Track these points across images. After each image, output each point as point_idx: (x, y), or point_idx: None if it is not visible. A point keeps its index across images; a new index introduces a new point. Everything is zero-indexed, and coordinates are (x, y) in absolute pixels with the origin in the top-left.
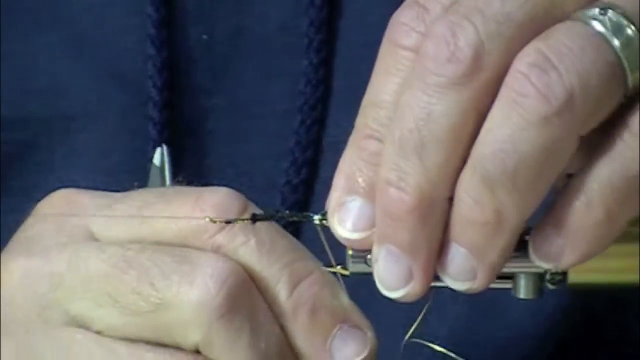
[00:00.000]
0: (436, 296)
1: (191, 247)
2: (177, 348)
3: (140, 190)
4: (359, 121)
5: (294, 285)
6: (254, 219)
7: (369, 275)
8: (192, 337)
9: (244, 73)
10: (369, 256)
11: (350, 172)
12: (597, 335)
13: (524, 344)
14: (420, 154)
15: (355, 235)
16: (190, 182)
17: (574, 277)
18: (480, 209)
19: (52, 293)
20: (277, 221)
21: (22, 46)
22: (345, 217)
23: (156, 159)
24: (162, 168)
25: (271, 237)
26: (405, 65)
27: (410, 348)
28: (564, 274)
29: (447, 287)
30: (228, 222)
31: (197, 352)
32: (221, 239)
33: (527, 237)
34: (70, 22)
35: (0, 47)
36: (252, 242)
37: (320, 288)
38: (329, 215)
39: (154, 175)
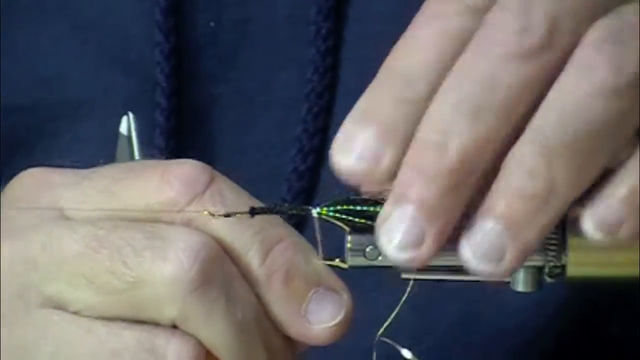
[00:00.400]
0: (435, 291)
1: (162, 221)
2: (155, 324)
3: (108, 166)
4: (397, 65)
5: (266, 253)
6: (253, 212)
7: (368, 268)
8: (169, 312)
9: (251, 61)
10: (368, 249)
11: (388, 122)
12: (600, 331)
13: (524, 339)
14: (474, 117)
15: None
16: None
17: (572, 271)
18: (531, 179)
19: (28, 275)
20: (277, 213)
21: (29, 33)
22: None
23: (123, 128)
24: (129, 137)
25: (240, 205)
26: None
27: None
28: (563, 267)
29: (443, 280)
30: (227, 215)
31: (175, 326)
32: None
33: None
34: (78, 9)
35: (7, 34)
36: (222, 212)
37: (292, 253)
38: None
39: (121, 145)
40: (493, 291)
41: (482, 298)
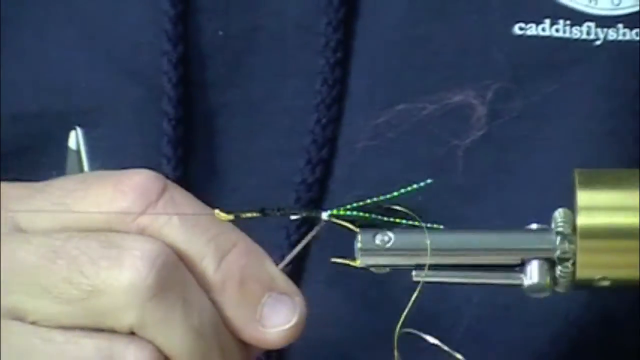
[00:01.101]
0: (451, 298)
1: (116, 230)
2: (113, 331)
3: (61, 178)
4: None
5: (220, 259)
6: (263, 213)
7: (378, 267)
8: (126, 319)
9: (259, 70)
10: (378, 240)
11: None
12: (615, 341)
13: (538, 348)
14: None
15: None
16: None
17: (583, 273)
18: None
19: None
20: (286, 216)
21: (37, 40)
22: None
23: (72, 143)
24: (78, 151)
25: (193, 212)
26: None
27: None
28: (574, 263)
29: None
30: (237, 217)
31: (133, 333)
32: (145, 219)
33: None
34: (86, 17)
35: (15, 42)
36: (175, 219)
37: (246, 259)
38: None
39: (71, 159)
40: (508, 301)
41: (497, 307)
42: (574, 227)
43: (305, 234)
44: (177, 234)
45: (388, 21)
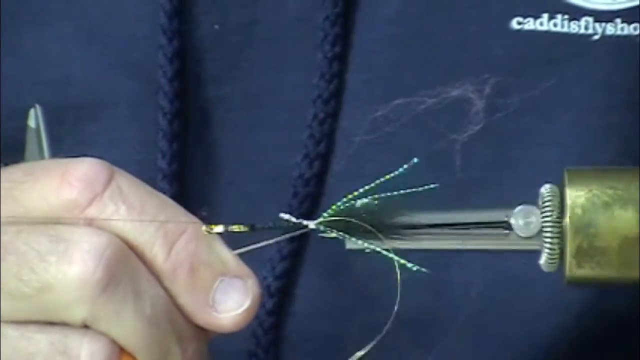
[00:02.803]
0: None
1: (64, 223)
2: (66, 325)
3: (8, 168)
4: None
5: (169, 247)
6: (253, 228)
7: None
8: (78, 313)
9: (256, 64)
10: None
11: None
12: (614, 335)
13: (537, 342)
14: None
15: None
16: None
17: (572, 272)
18: None
19: None
20: (276, 228)
21: (34, 35)
22: None
23: (31, 121)
24: (37, 130)
25: (141, 200)
26: None
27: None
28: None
29: None
30: (226, 230)
31: (86, 326)
32: (92, 211)
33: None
34: (82, 12)
35: (12, 37)
36: (123, 209)
37: (195, 244)
38: None
39: (30, 138)
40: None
41: (499, 304)
42: (561, 200)
43: (296, 244)
44: (126, 225)
45: (386, 15)
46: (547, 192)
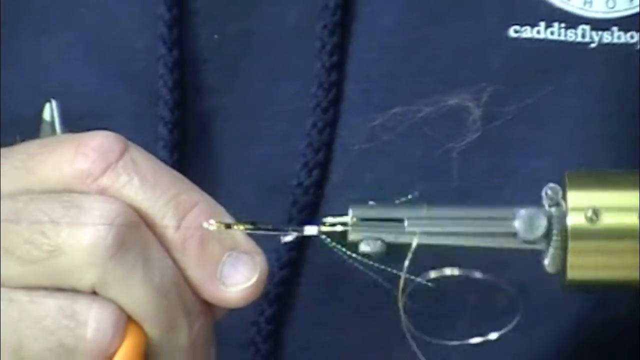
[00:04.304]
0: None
1: (77, 191)
2: (75, 291)
3: (24, 143)
4: None
5: (180, 219)
6: (255, 228)
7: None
8: (87, 279)
9: (255, 73)
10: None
11: None
12: (619, 347)
13: (536, 351)
14: None
15: None
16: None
17: (573, 275)
18: None
19: None
20: (277, 231)
21: (33, 45)
22: None
23: (46, 115)
24: (52, 123)
25: (154, 172)
26: None
27: None
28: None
29: None
30: (228, 227)
31: (95, 292)
32: (105, 180)
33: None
34: (81, 22)
35: (11, 46)
36: (136, 180)
37: (206, 218)
38: None
39: (45, 131)
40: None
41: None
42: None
43: (295, 252)
44: (137, 194)
45: (384, 24)
46: (551, 191)
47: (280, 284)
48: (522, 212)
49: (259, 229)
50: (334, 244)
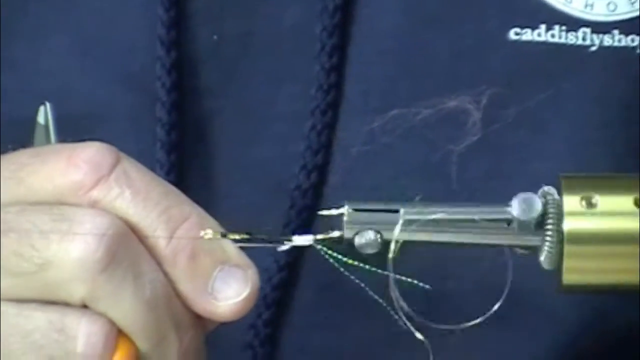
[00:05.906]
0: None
1: (68, 204)
2: (65, 304)
3: (16, 152)
4: None
5: (171, 232)
6: (250, 239)
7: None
8: (77, 292)
9: (254, 75)
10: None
11: None
12: (617, 354)
13: (533, 355)
14: None
15: None
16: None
17: (569, 279)
18: None
19: None
20: (272, 242)
21: (31, 47)
22: None
23: (40, 118)
24: (46, 126)
25: (146, 185)
26: None
27: None
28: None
29: None
30: (223, 236)
31: (85, 306)
32: (97, 193)
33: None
34: (79, 24)
35: (9, 48)
36: (127, 193)
37: (198, 232)
38: None
39: (39, 134)
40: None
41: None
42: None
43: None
44: (129, 207)
45: (383, 27)
46: (548, 188)
47: (277, 287)
48: (519, 195)
49: (254, 239)
50: (330, 252)
